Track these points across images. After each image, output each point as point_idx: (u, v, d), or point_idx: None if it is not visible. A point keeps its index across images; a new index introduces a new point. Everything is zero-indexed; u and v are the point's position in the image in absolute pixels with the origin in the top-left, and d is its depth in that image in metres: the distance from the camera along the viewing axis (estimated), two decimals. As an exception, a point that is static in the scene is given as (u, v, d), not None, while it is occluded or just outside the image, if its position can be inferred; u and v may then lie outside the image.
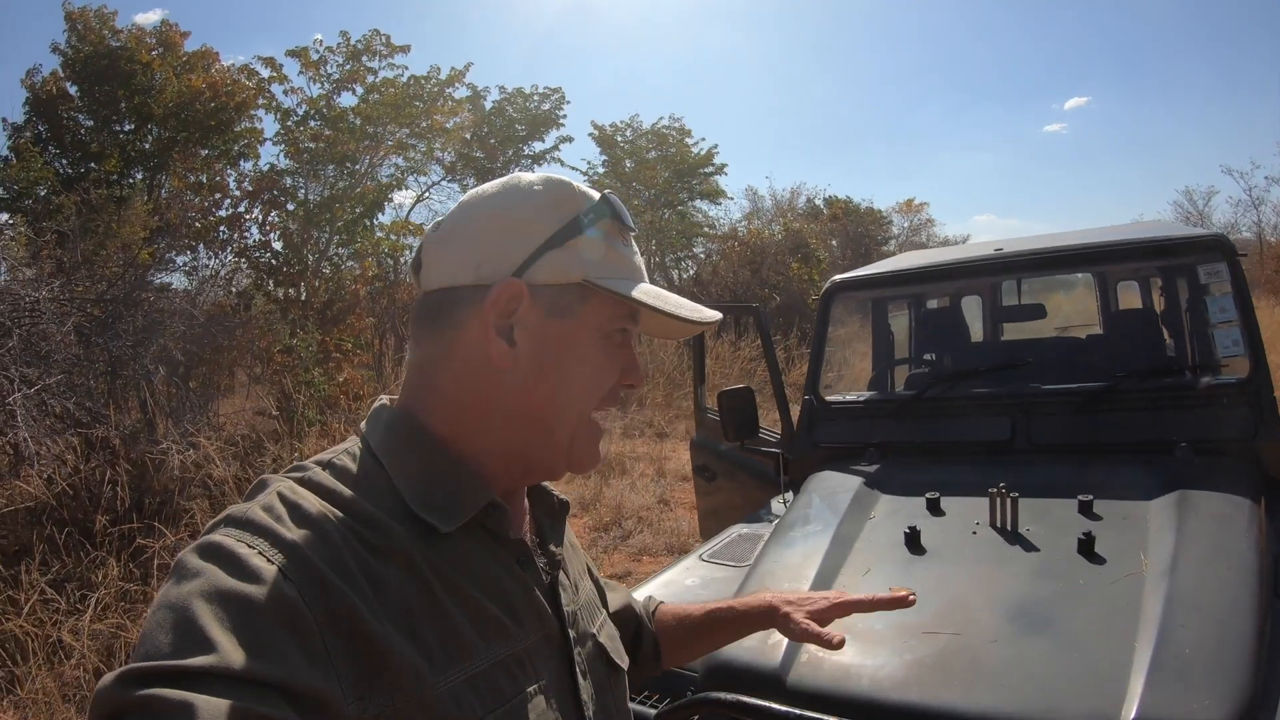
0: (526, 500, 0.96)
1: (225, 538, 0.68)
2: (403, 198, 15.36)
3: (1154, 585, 1.89)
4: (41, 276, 6.41)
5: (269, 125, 13.19)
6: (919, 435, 3.09)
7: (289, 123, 11.99)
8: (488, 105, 16.20)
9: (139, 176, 12.92)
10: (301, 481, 0.77)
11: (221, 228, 11.24)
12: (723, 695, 1.55)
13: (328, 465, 0.81)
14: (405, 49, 12.40)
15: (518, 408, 0.83)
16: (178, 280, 10.92)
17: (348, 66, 12.08)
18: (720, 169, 20.21)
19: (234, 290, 11.35)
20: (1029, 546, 2.20)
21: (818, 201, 23.56)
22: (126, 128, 13.17)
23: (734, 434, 3.43)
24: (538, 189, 0.86)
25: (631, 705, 1.06)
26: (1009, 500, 2.32)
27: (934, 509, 2.49)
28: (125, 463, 5.38)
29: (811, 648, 1.80)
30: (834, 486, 2.81)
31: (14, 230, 7.40)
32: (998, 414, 2.99)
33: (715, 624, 1.29)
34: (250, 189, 11.64)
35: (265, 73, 12.30)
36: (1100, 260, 3.54)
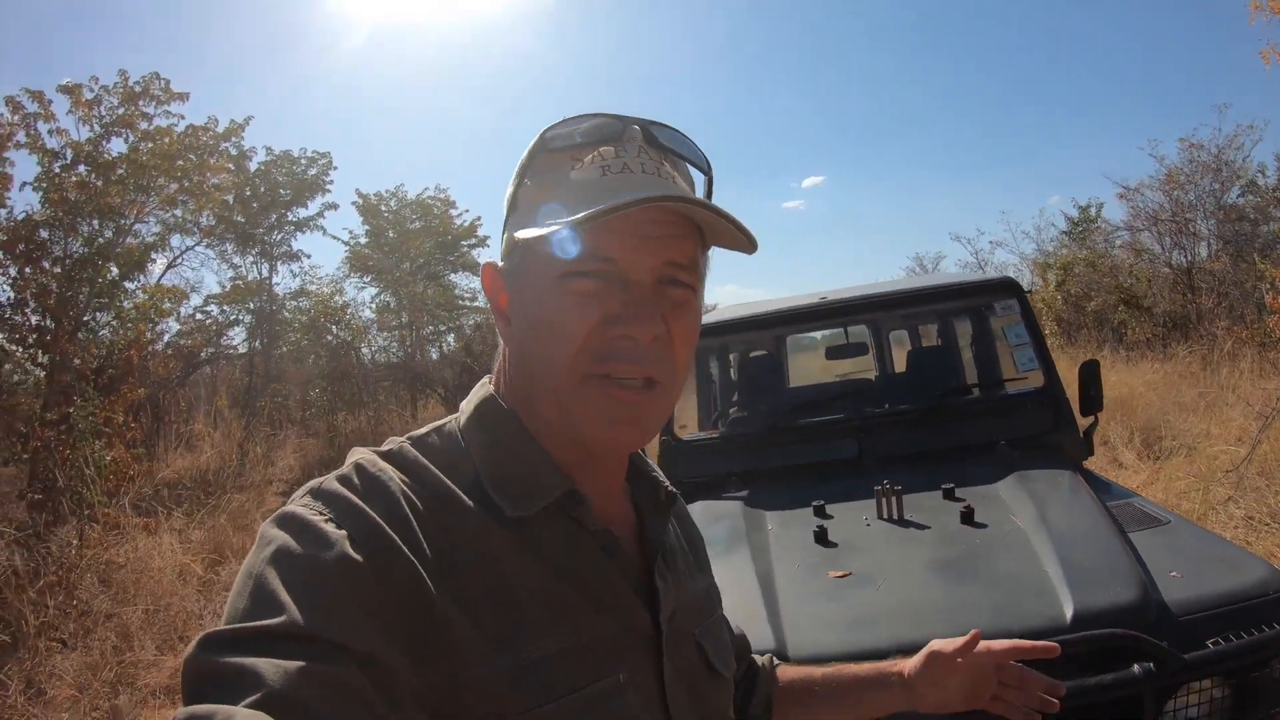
0: (632, 486, 0.96)
1: (301, 507, 0.70)
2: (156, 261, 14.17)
3: (1034, 532, 2.35)
4: None
5: (28, 167, 11.62)
6: (778, 461, 3.34)
7: (55, 167, 10.64)
8: (253, 166, 15.31)
9: None
10: (385, 455, 0.78)
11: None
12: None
13: (417, 442, 0.82)
14: (184, 96, 11.44)
15: (527, 378, 0.83)
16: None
17: (121, 110, 10.95)
18: (483, 241, 20.04)
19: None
20: (920, 526, 2.58)
21: None
22: None
23: None
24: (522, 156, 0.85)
25: None
26: (894, 494, 2.67)
27: (821, 514, 2.75)
28: None
29: (795, 619, 2.11)
30: (717, 512, 2.97)
31: None
32: (844, 436, 3.37)
33: (854, 684, 1.18)
34: (3, 240, 10.19)
35: (32, 107, 10.88)
36: (916, 301, 4.00)
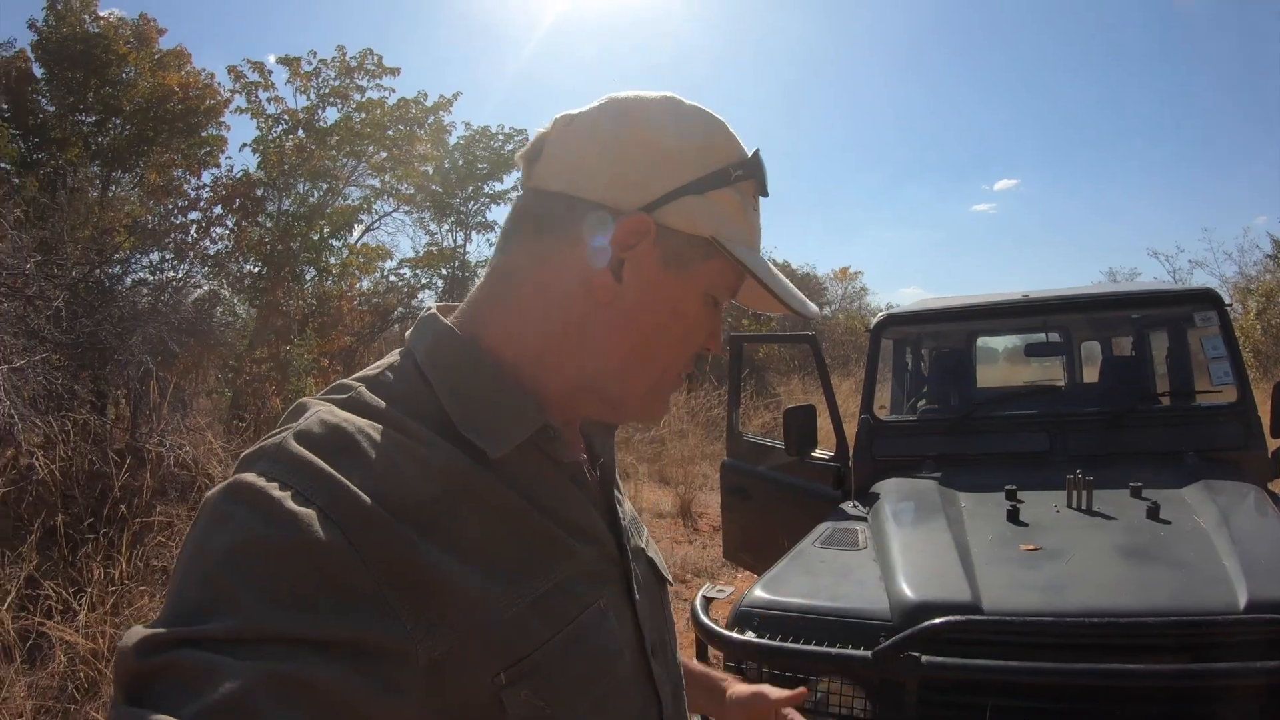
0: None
1: (258, 478, 0.62)
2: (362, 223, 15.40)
3: (1216, 532, 2.47)
4: (25, 246, 6.13)
5: (248, 130, 12.92)
6: (971, 448, 3.54)
7: (274, 130, 11.86)
8: (453, 140, 16.26)
9: (95, 169, 12.55)
10: (344, 404, 0.72)
11: (192, 230, 11.03)
12: (957, 619, 2.10)
13: (373, 383, 0.75)
14: (395, 71, 12.41)
15: (605, 345, 0.78)
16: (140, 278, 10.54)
17: (337, 82, 12.05)
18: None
19: (195, 296, 10.97)
20: (1108, 517, 2.73)
21: None
22: (90, 119, 12.81)
23: (796, 449, 3.72)
24: (696, 124, 0.79)
25: None
26: (1085, 484, 2.82)
27: (1012, 497, 2.90)
28: (114, 454, 5.12)
29: (989, 580, 2.31)
30: (912, 489, 3.24)
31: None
32: (1035, 431, 3.58)
33: (690, 675, 1.16)
34: (224, 194, 11.46)
35: (253, 76, 12.20)
36: (1116, 306, 4.16)
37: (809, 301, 0.85)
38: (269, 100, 12.07)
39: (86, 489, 4.96)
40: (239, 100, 12.34)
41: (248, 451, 0.67)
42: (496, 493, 0.71)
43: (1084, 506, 2.81)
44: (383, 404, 0.71)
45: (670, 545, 6.99)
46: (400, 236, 21.32)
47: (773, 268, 0.83)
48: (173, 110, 12.35)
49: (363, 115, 12.01)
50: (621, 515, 0.88)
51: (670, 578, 0.99)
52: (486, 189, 17.06)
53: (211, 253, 11.07)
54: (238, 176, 11.88)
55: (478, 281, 0.84)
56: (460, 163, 16.46)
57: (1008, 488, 2.94)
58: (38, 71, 12.59)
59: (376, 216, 14.57)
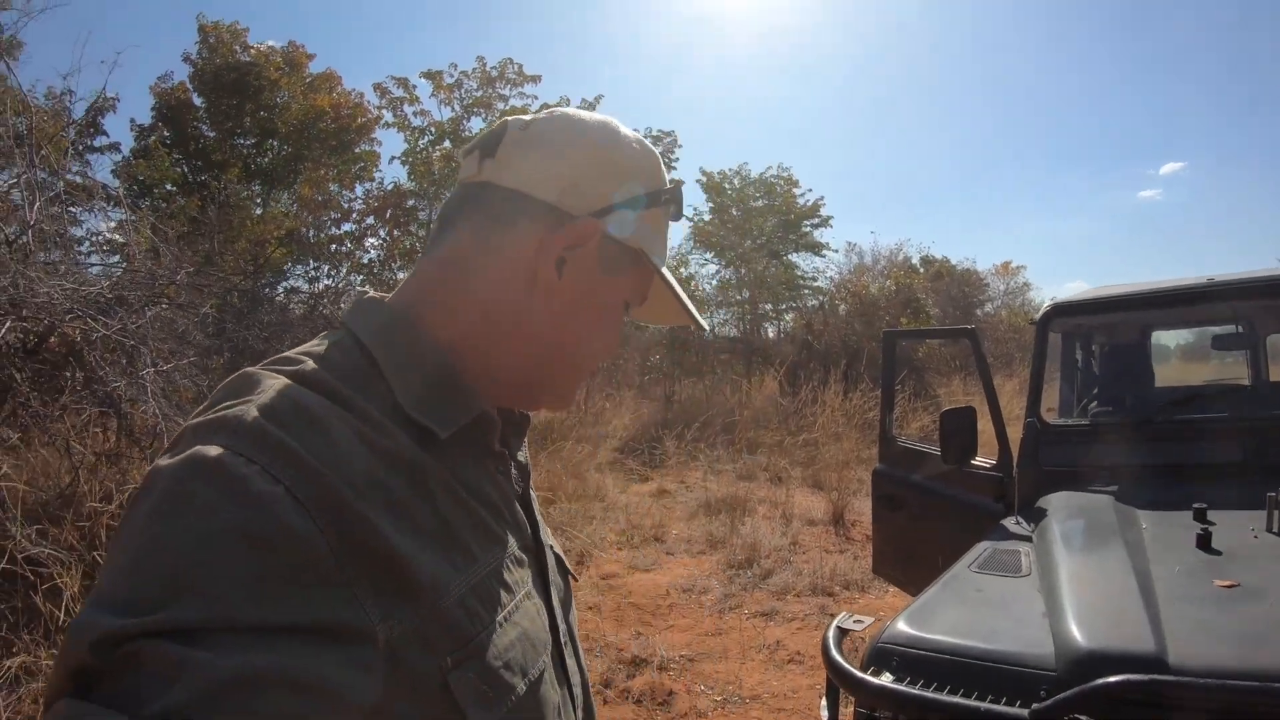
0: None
1: (224, 452, 0.58)
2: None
3: None
4: (180, 257, 6.43)
5: (395, 144, 13.56)
6: (1150, 458, 3.04)
7: (420, 143, 12.17)
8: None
9: (256, 188, 13.25)
10: (297, 377, 0.69)
11: (346, 243, 11.43)
12: (1137, 679, 1.62)
13: (321, 359, 0.73)
14: (536, 79, 12.58)
15: (542, 335, 0.82)
16: (302, 286, 11.04)
17: (479, 93, 12.27)
18: (825, 221, 20.00)
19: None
20: None
21: (914, 261, 23.17)
22: (248, 142, 13.61)
23: (954, 456, 3.28)
24: (635, 148, 0.86)
25: None
26: None
27: (1201, 518, 2.41)
28: None
29: (1176, 626, 1.84)
30: (1084, 505, 2.79)
31: (140, 221, 7.49)
32: (1226, 439, 3.05)
33: None
34: (375, 205, 11.83)
35: (398, 92, 12.56)
36: None
37: (695, 319, 0.96)
38: (415, 114, 12.42)
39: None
40: (386, 115, 12.74)
41: (203, 420, 0.63)
42: (442, 476, 0.73)
43: None
44: (333, 380, 0.70)
45: (820, 555, 6.64)
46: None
47: (673, 280, 0.91)
48: (325, 129, 12.94)
49: (508, 121, 12.35)
50: (534, 506, 0.92)
51: (573, 573, 1.02)
52: None
53: (365, 261, 11.43)
54: (389, 189, 12.27)
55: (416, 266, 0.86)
56: None
57: (1196, 506, 2.46)
58: (197, 100, 13.39)
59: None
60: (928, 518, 3.76)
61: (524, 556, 0.83)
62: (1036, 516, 2.80)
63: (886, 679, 1.89)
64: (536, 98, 12.71)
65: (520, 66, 12.51)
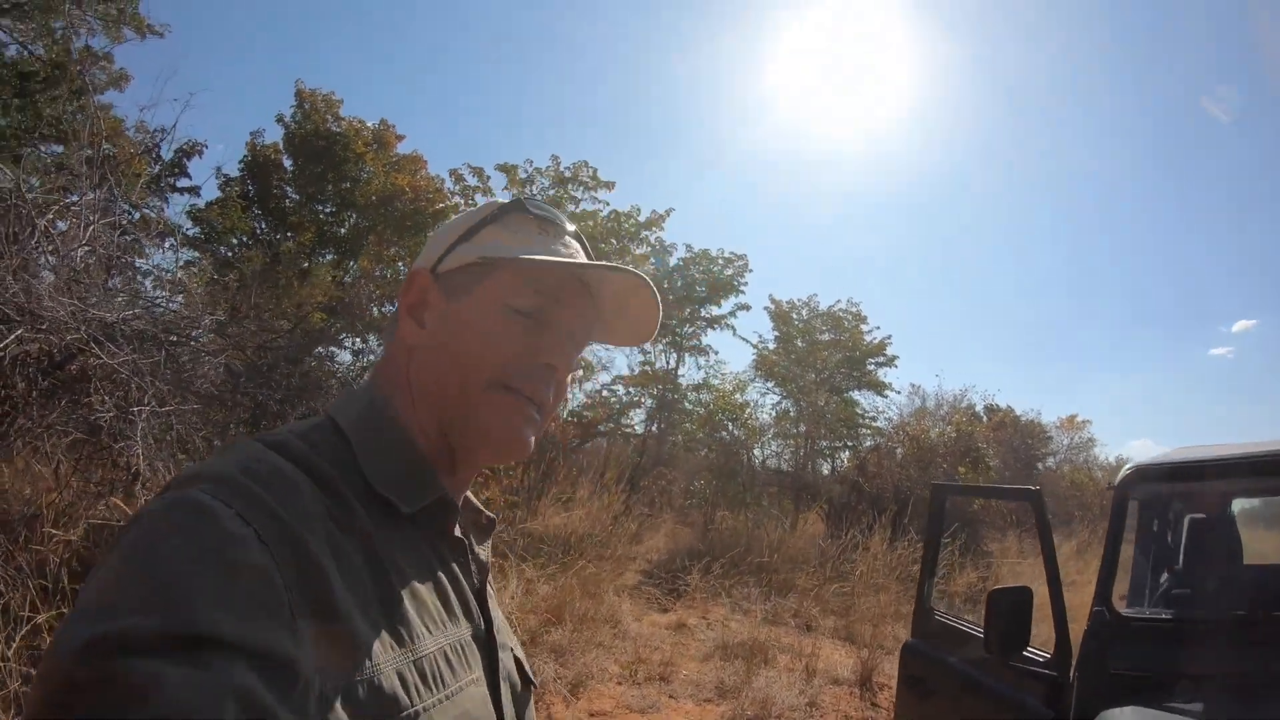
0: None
1: (203, 495, 0.65)
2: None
3: None
4: (204, 304, 6.27)
5: None
6: (1250, 667, 2.41)
7: None
8: (673, 261, 16.19)
9: (328, 257, 13.30)
10: (275, 446, 0.77)
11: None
12: None
13: (302, 436, 0.81)
14: (610, 185, 12.53)
15: (428, 383, 0.88)
16: (343, 358, 10.89)
17: (552, 191, 12.24)
18: (891, 361, 19.41)
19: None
20: None
21: (978, 409, 22.38)
22: (328, 209, 13.75)
23: (1001, 646, 2.69)
24: (477, 209, 0.96)
25: None
26: None
27: None
28: None
29: None
30: None
31: (198, 267, 7.40)
32: None
33: None
34: None
35: (472, 180, 12.59)
36: None
37: (631, 270, 0.93)
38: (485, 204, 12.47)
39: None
40: (459, 201, 12.78)
41: (186, 473, 0.70)
42: (397, 553, 0.78)
43: None
44: (311, 455, 0.77)
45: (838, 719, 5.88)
46: (617, 354, 21.80)
47: (576, 253, 0.96)
48: (402, 209, 12.96)
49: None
50: (492, 603, 0.95)
51: (535, 680, 1.03)
52: (704, 312, 16.93)
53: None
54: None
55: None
56: (679, 283, 16.34)
57: None
58: (287, 163, 13.63)
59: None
60: (963, 711, 3.12)
61: (475, 646, 0.86)
62: None
63: None
64: (608, 204, 12.65)
65: (595, 171, 12.51)
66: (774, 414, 18.42)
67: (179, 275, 6.41)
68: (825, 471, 19.13)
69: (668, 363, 16.67)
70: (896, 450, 17.28)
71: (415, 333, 0.89)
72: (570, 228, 0.98)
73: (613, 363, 16.57)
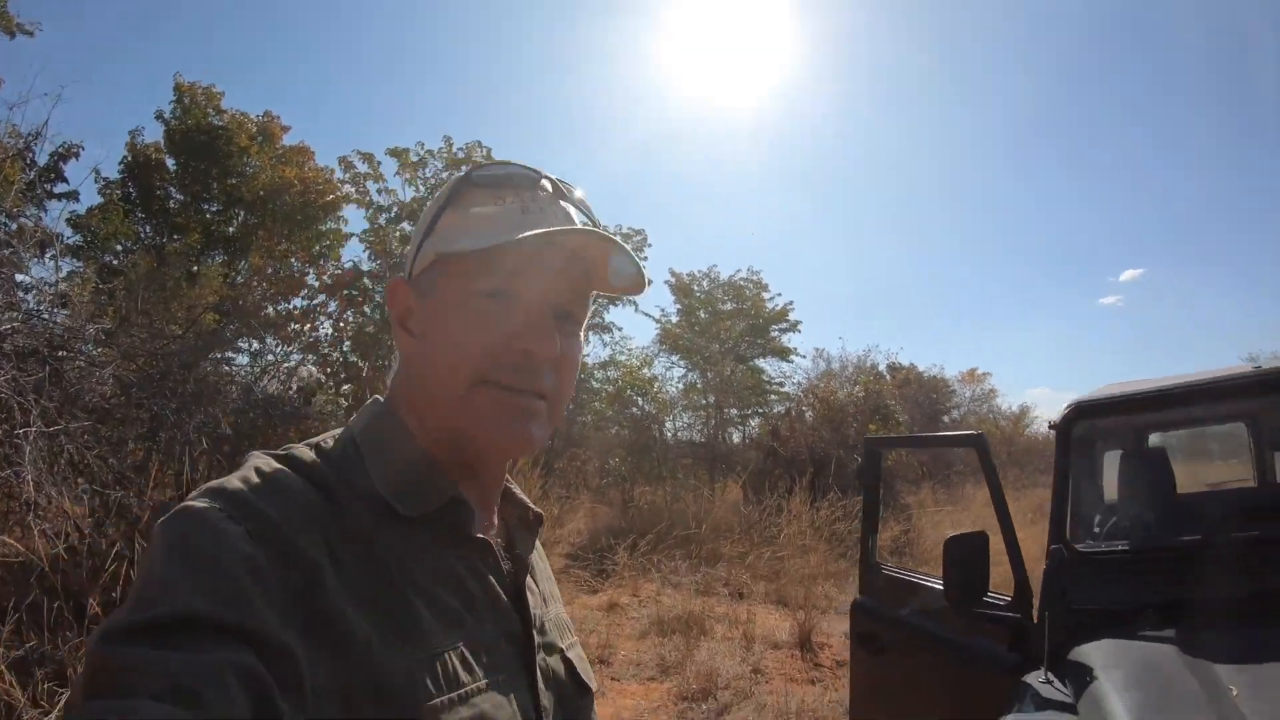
0: (500, 506, 0.97)
1: (198, 503, 0.70)
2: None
3: None
4: (87, 314, 5.86)
5: (357, 221, 13.05)
6: (1216, 591, 2.44)
7: (380, 221, 11.71)
8: (571, 240, 16.04)
9: (218, 258, 12.72)
10: (281, 458, 0.80)
11: (292, 324, 10.87)
12: None
13: (314, 446, 0.84)
14: (507, 164, 12.27)
15: (424, 390, 0.87)
16: (240, 361, 10.41)
17: (445, 174, 11.90)
18: (794, 326, 19.63)
19: (295, 385, 10.65)
20: None
21: (881, 368, 22.84)
22: (214, 208, 13.15)
23: (962, 594, 2.66)
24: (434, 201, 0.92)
25: None
26: None
27: None
28: (144, 539, 4.55)
29: None
30: (1144, 660, 2.21)
31: (81, 276, 6.94)
32: None
33: None
34: (329, 283, 11.31)
35: (362, 167, 12.15)
36: None
37: (582, 228, 0.88)
38: (379, 191, 11.99)
39: (96, 573, 4.32)
40: (348, 190, 12.35)
41: (198, 489, 0.73)
42: (400, 558, 0.78)
43: None
44: (317, 461, 0.81)
45: (786, 686, 5.89)
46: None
47: (543, 207, 0.88)
48: (291, 203, 12.47)
49: (473, 206, 11.96)
50: (535, 605, 0.92)
51: (592, 685, 0.99)
52: None
53: (313, 340, 10.90)
54: (347, 267, 11.77)
55: None
56: None
57: None
58: (170, 162, 13.02)
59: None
60: (921, 664, 3.11)
61: (505, 646, 0.84)
62: (1077, 676, 2.19)
63: None
64: None
65: (489, 151, 12.19)
66: (681, 386, 18.51)
67: (61, 287, 5.95)
68: (737, 440, 19.30)
69: None
70: (806, 413, 17.54)
71: (408, 343, 0.89)
72: (533, 174, 0.91)
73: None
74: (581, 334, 0.94)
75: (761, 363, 19.69)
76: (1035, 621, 2.61)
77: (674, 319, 19.05)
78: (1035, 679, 2.31)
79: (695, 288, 19.36)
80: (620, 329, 17.78)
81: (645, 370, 17.04)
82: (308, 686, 0.64)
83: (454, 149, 12.12)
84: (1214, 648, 2.16)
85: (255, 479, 0.74)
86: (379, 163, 12.07)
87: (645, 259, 16.89)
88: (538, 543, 1.02)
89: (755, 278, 19.66)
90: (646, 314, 18.73)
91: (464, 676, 0.77)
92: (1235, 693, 1.90)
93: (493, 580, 0.87)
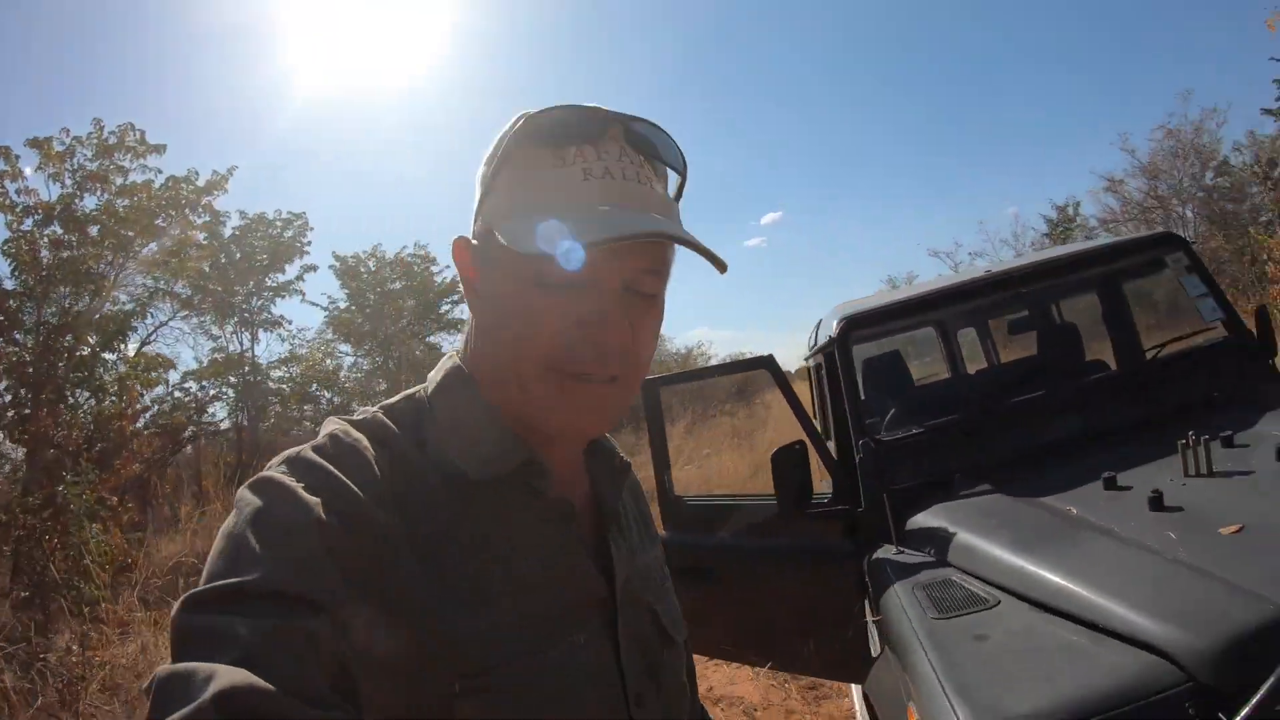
0: (587, 458, 0.96)
1: (277, 473, 0.72)
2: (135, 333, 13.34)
3: None
4: None
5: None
6: (1003, 450, 2.90)
7: (26, 225, 9.60)
8: (228, 232, 14.66)
9: None
10: (357, 423, 0.81)
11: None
12: None
13: (388, 409, 0.85)
14: (160, 149, 10.66)
15: (493, 356, 0.84)
16: None
17: (95, 164, 10.11)
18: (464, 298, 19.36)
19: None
20: (1243, 471, 2.22)
21: None
22: None
23: (795, 500, 2.90)
24: (492, 143, 0.84)
25: None
26: (1203, 445, 2.28)
27: (1113, 485, 2.36)
28: None
29: (1237, 581, 1.62)
30: (988, 508, 2.49)
31: None
32: (1058, 414, 3.02)
33: None
34: None
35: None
36: (1091, 263, 3.65)
37: (649, 221, 0.78)
38: (18, 192, 9.82)
39: None
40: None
41: (274, 458, 0.76)
42: (473, 519, 0.78)
43: (1207, 470, 2.25)
44: (391, 426, 0.81)
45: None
46: (180, 347, 19.58)
47: (622, 171, 0.80)
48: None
49: (126, 201, 10.27)
50: (621, 561, 0.89)
51: (679, 636, 0.98)
52: (269, 281, 15.73)
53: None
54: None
55: None
56: (238, 255, 15.03)
57: (1106, 475, 2.36)
58: None
59: (152, 326, 12.88)
60: (759, 579, 3.32)
61: (583, 607, 0.83)
62: (930, 540, 2.47)
63: None
64: (160, 170, 10.81)
65: (143, 134, 10.45)
66: (362, 374, 17.88)
67: None
68: None
69: (240, 344, 15.43)
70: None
71: (478, 308, 0.86)
72: (600, 120, 0.80)
73: (179, 358, 14.85)
74: (663, 292, 0.85)
75: (436, 339, 19.39)
76: (862, 509, 2.90)
77: (342, 305, 18.19)
78: (887, 553, 2.56)
79: (362, 270, 18.50)
80: (290, 322, 16.52)
81: (329, 362, 16.26)
82: (380, 653, 0.67)
83: (105, 133, 10.32)
84: (1027, 488, 2.52)
85: (331, 448, 0.75)
86: (18, 157, 9.87)
87: (309, 244, 15.94)
88: (628, 489, 1.01)
89: (423, 251, 19.15)
90: (313, 303, 17.69)
91: (539, 641, 0.77)
92: (1075, 510, 2.24)
93: (573, 539, 0.85)
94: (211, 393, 14.97)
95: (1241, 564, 1.69)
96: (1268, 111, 16.54)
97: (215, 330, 15.15)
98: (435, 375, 0.89)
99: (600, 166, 0.78)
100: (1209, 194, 17.74)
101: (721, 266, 0.80)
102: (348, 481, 0.72)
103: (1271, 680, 1.32)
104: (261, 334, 15.75)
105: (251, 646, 0.58)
